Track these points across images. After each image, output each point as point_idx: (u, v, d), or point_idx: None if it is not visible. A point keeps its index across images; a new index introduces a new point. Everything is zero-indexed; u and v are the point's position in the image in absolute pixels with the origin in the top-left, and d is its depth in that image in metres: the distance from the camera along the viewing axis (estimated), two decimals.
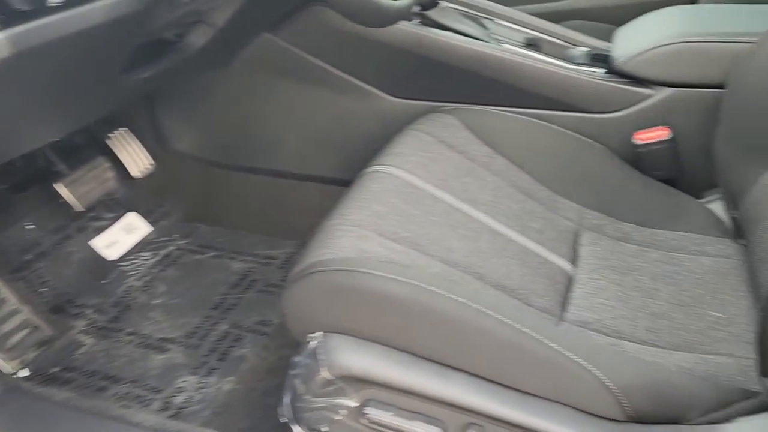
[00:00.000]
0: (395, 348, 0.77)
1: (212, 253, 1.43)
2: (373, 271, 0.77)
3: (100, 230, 1.41)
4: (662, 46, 1.10)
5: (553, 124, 1.19)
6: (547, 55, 1.29)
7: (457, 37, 1.21)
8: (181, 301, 1.29)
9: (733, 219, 1.05)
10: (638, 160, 1.15)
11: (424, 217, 0.93)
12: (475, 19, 1.37)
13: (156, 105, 1.46)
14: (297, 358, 0.83)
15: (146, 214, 1.50)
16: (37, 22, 0.69)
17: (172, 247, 1.45)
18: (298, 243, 1.46)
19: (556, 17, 1.95)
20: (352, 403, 0.79)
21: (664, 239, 1.05)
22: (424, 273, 0.82)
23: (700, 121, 1.10)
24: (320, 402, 0.80)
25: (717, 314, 0.89)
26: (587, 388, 0.70)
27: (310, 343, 0.80)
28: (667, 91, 1.12)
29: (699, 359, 0.81)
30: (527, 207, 1.05)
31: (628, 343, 0.84)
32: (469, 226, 0.95)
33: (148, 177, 1.50)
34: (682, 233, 1.06)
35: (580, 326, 0.86)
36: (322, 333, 0.80)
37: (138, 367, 1.13)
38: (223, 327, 1.22)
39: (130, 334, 1.21)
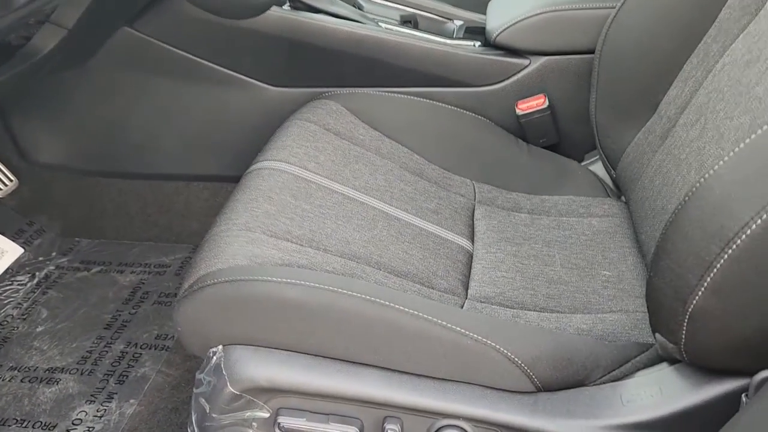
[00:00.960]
0: (301, 352, 0.75)
1: (97, 269, 1.33)
2: (266, 278, 0.73)
3: None
4: (532, 16, 1.12)
5: (435, 100, 1.19)
6: (424, 31, 1.28)
7: (332, 19, 1.17)
8: (67, 325, 1.19)
9: (613, 179, 1.10)
10: (521, 129, 1.17)
11: (317, 210, 0.90)
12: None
13: (9, 115, 1.33)
14: (199, 375, 0.79)
15: (16, 235, 1.38)
16: None
17: (51, 267, 1.34)
18: (192, 247, 1.39)
19: None
20: (264, 414, 0.76)
21: (553, 204, 1.08)
22: (322, 271, 0.79)
23: (576, 87, 1.14)
24: (230, 418, 0.76)
25: (608, 273, 0.93)
26: (496, 366, 0.71)
27: (214, 357, 0.76)
28: (542, 60, 1.15)
29: (596, 319, 0.84)
30: (420, 187, 1.05)
31: (530, 312, 0.86)
32: (364, 214, 0.93)
33: (12, 194, 1.38)
34: (569, 197, 1.09)
35: (483, 302, 0.87)
36: (221, 346, 0.76)
37: (25, 404, 1.04)
38: (118, 347, 1.14)
39: (12, 369, 1.11)
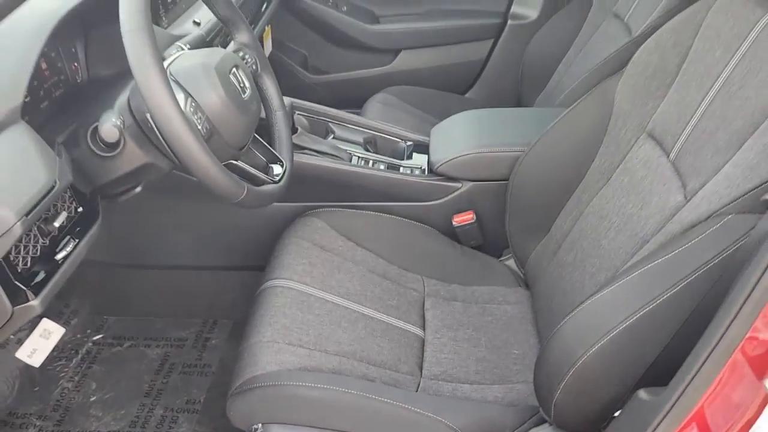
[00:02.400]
0: (316, 427, 1.13)
1: (128, 344, 1.68)
2: (293, 383, 1.12)
3: (20, 341, 1.61)
4: (464, 155, 1.53)
5: (393, 213, 1.58)
6: (382, 152, 1.68)
7: (315, 156, 1.55)
8: (114, 395, 1.54)
9: (523, 273, 1.52)
10: (456, 235, 1.58)
11: (317, 319, 1.29)
12: (324, 124, 1.72)
13: None
14: None
15: (56, 317, 1.70)
16: None
17: (89, 344, 1.68)
18: (202, 321, 1.75)
19: (380, 81, 2.36)
20: None
21: (480, 294, 1.49)
22: (327, 371, 1.18)
23: (495, 204, 1.55)
24: None
25: (516, 351, 1.35)
26: (442, 430, 1.11)
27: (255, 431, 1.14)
28: (471, 184, 1.56)
29: (507, 389, 1.26)
30: (384, 287, 1.44)
31: (464, 385, 1.27)
32: (348, 317, 1.32)
33: None
34: (491, 287, 1.51)
35: (433, 379, 1.27)
36: (261, 424, 1.14)
37: None
38: (158, 412, 1.50)
39: None
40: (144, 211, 1.63)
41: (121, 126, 1.00)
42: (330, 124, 1.73)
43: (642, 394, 0.86)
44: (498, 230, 1.57)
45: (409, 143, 1.73)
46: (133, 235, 1.68)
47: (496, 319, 1.43)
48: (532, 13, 2.35)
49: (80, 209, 1.00)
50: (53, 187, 0.88)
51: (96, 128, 1.05)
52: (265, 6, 2.11)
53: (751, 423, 0.79)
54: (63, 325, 1.71)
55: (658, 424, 0.80)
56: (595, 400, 0.98)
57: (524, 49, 2.22)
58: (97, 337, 1.70)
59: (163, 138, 0.98)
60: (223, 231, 1.65)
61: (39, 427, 1.46)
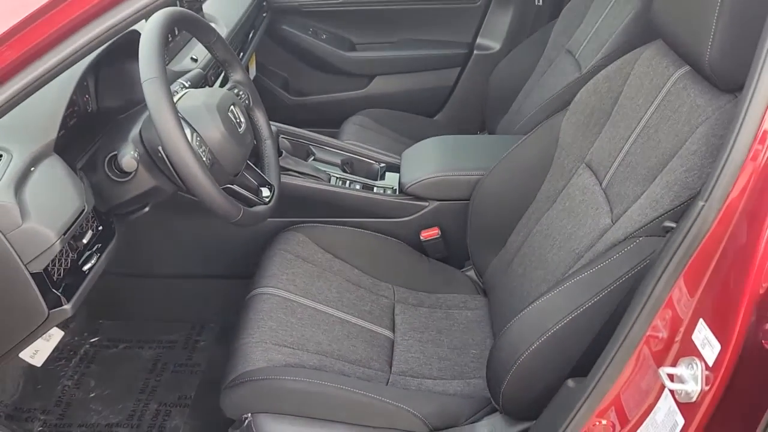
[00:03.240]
0: (300, 416, 1.31)
1: (123, 345, 1.83)
2: (279, 377, 1.29)
3: None
4: (431, 177, 1.72)
5: (366, 229, 1.77)
6: (358, 172, 1.87)
7: (299, 177, 1.73)
8: (112, 391, 1.69)
9: (482, 282, 1.72)
10: (423, 248, 1.78)
11: (299, 323, 1.46)
12: (305, 146, 1.90)
13: None
14: (235, 431, 1.34)
15: None
16: None
17: (86, 346, 1.83)
18: (191, 325, 1.91)
19: (356, 103, 2.56)
20: None
21: (444, 300, 1.69)
22: (308, 367, 1.36)
23: (459, 222, 1.74)
24: None
25: (474, 351, 1.54)
26: (408, 420, 1.30)
27: (246, 421, 1.31)
28: (437, 203, 1.75)
29: (465, 383, 1.45)
30: (359, 294, 1.63)
31: (428, 380, 1.45)
32: (327, 321, 1.50)
33: None
34: (453, 294, 1.70)
35: (401, 375, 1.46)
36: (251, 414, 1.32)
37: None
38: (153, 406, 1.66)
39: (80, 426, 1.60)
40: (140, 226, 1.79)
41: (138, 158, 1.17)
42: (311, 146, 1.91)
43: (569, 382, 1.06)
44: (460, 244, 1.76)
45: (382, 165, 1.92)
46: (128, 247, 1.83)
47: (457, 322, 1.62)
48: (496, 45, 2.57)
49: (100, 227, 1.17)
50: (83, 210, 1.04)
51: (113, 157, 1.22)
52: (251, 34, 2.29)
53: (652, 406, 1.00)
54: (62, 328, 1.87)
55: (581, 407, 1.00)
56: (535, 389, 1.18)
57: (488, 77, 2.44)
58: (94, 339, 1.85)
59: (174, 167, 1.15)
60: (213, 243, 1.82)
61: (43, 420, 1.61)
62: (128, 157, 1.16)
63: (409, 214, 1.77)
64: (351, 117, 2.43)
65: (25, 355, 1.75)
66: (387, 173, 1.90)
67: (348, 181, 1.81)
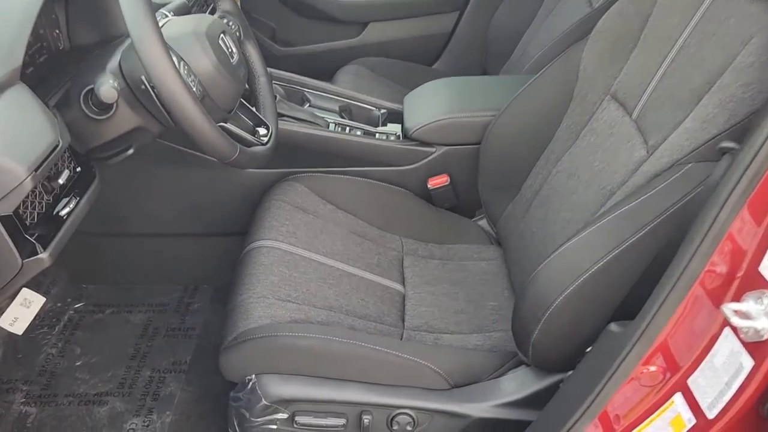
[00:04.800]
0: (308, 375, 1.19)
1: (110, 311, 1.71)
2: (285, 333, 1.17)
3: (1, 310, 1.62)
4: (438, 120, 1.60)
5: (370, 178, 1.64)
6: (357, 120, 1.74)
7: (295, 123, 1.60)
8: (100, 359, 1.57)
9: (495, 232, 1.61)
10: (431, 197, 1.66)
11: (303, 277, 1.34)
12: (300, 93, 1.76)
13: None
14: (237, 394, 1.22)
15: (35, 286, 1.71)
16: None
17: (70, 312, 1.70)
18: (183, 287, 1.78)
19: (348, 53, 2.41)
20: (284, 416, 1.20)
21: (456, 252, 1.57)
22: (316, 323, 1.24)
23: (468, 167, 1.62)
24: (262, 420, 1.20)
25: (493, 303, 1.44)
26: (427, 376, 1.19)
27: (249, 383, 1.20)
28: (444, 149, 1.63)
29: (485, 337, 1.35)
30: (365, 247, 1.51)
31: (445, 335, 1.35)
32: (333, 275, 1.38)
33: None
34: (465, 245, 1.59)
35: (415, 330, 1.35)
36: (254, 375, 1.20)
37: (88, 422, 1.42)
38: (146, 373, 1.54)
39: (67, 396, 1.48)
40: (122, 178, 1.65)
41: (118, 89, 1.03)
42: (305, 92, 1.77)
43: (613, 327, 0.95)
44: (471, 192, 1.64)
45: (383, 111, 1.78)
46: (110, 203, 1.68)
47: (471, 274, 1.51)
48: None
49: (78, 169, 1.03)
50: (57, 145, 0.91)
51: (89, 91, 1.07)
52: None
53: (708, 349, 0.89)
54: (43, 294, 1.73)
55: (627, 353, 0.89)
56: (569, 338, 1.07)
57: (489, 20, 2.29)
58: (78, 305, 1.72)
59: (160, 98, 1.02)
60: (204, 198, 1.68)
61: (26, 391, 1.49)
62: (107, 86, 1.02)
63: (415, 160, 1.64)
64: (344, 67, 2.29)
65: (4, 322, 1.61)
66: (389, 123, 1.76)
67: (348, 128, 1.67)
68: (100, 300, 1.73)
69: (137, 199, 1.69)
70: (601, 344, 0.97)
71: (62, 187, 0.98)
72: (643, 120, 1.18)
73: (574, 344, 1.08)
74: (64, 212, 0.98)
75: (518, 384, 1.19)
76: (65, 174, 0.97)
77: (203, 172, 1.63)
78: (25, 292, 1.70)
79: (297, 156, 1.62)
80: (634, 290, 1.00)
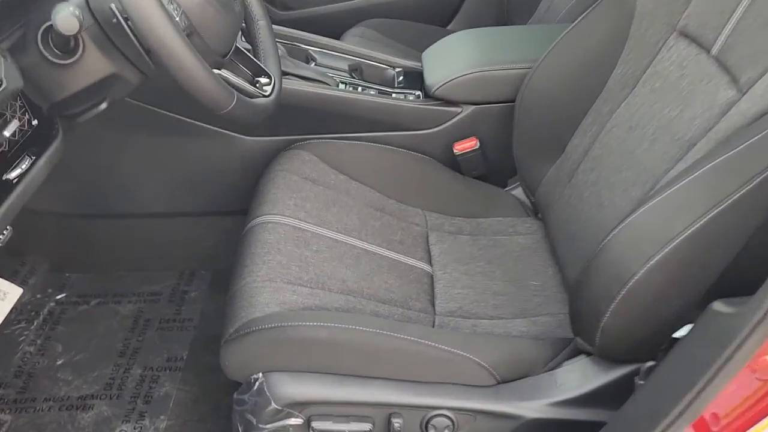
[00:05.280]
0: (324, 373, 0.99)
1: (95, 301, 1.51)
2: (297, 323, 0.97)
3: None
4: (464, 75, 1.38)
5: (387, 144, 1.43)
6: (369, 80, 1.52)
7: (299, 82, 1.39)
8: (84, 356, 1.37)
9: (532, 202, 1.40)
10: (457, 164, 1.45)
11: (316, 256, 1.14)
12: (304, 51, 1.55)
13: None
14: (242, 396, 1.02)
15: (12, 276, 1.51)
16: None
17: (51, 304, 1.50)
18: (177, 274, 1.58)
19: (353, 16, 2.19)
20: (299, 421, 1.00)
21: (488, 226, 1.37)
22: (333, 310, 1.04)
23: (499, 129, 1.42)
24: (272, 427, 1.00)
25: (535, 283, 1.23)
26: (469, 370, 0.99)
27: (256, 383, 1.00)
28: (472, 108, 1.42)
29: (531, 322, 1.14)
30: (385, 222, 1.30)
31: (483, 320, 1.15)
32: (350, 253, 1.18)
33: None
34: (498, 218, 1.38)
35: (449, 316, 1.14)
36: (261, 374, 1.00)
37: (70, 429, 1.23)
38: (136, 371, 1.34)
39: (47, 400, 1.28)
40: (106, 151, 1.45)
41: (81, 18, 0.82)
42: (310, 50, 1.56)
43: (718, 306, 0.75)
44: (502, 157, 1.44)
45: (398, 69, 1.57)
46: (93, 180, 1.49)
47: (508, 251, 1.31)
48: None
49: (35, 122, 0.83)
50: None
51: (48, 29, 0.86)
52: None
53: None
54: (20, 284, 1.53)
55: (746, 338, 0.69)
56: (650, 320, 0.87)
57: None
58: (60, 296, 1.52)
59: (136, 31, 0.81)
60: (198, 171, 1.48)
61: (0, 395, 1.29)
62: (65, 13, 0.80)
63: (438, 123, 1.43)
64: (350, 29, 2.07)
65: None
66: (406, 89, 1.54)
67: (360, 87, 1.46)
68: (85, 290, 1.53)
69: (123, 175, 1.48)
70: (703, 327, 0.76)
71: (11, 142, 0.77)
72: (728, 54, 0.97)
73: (654, 328, 0.88)
74: (13, 175, 0.78)
75: (579, 377, 0.99)
76: (13, 125, 0.77)
77: (197, 141, 1.43)
78: (0, 283, 1.50)
79: (303, 120, 1.41)
80: (739, 259, 0.79)
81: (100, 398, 1.28)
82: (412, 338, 0.99)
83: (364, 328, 0.98)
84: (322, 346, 0.98)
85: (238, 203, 1.43)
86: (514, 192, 1.47)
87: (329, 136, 1.42)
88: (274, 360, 0.99)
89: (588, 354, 1.01)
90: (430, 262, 1.25)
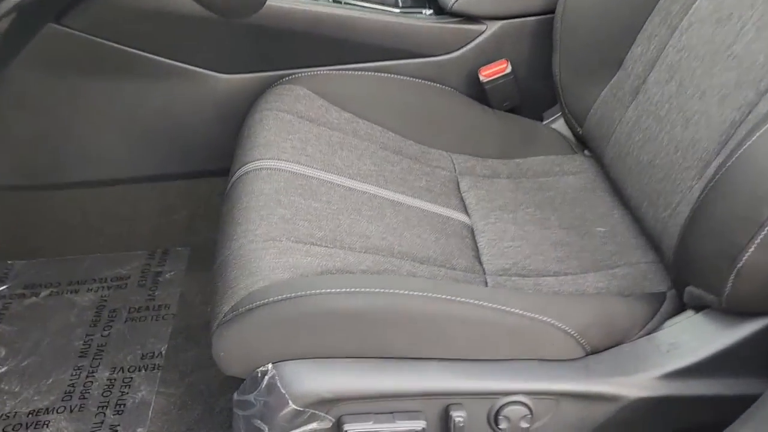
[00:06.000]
0: (357, 357, 0.74)
1: (46, 292, 1.22)
2: (317, 291, 0.71)
3: None
4: None
5: (397, 74, 1.17)
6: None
7: None
8: (35, 360, 1.09)
9: (578, 135, 1.15)
10: (484, 95, 1.19)
11: (328, 207, 0.87)
12: None
13: None
14: (245, 397, 0.76)
15: None
16: None
17: None
18: (147, 253, 1.30)
19: None
20: (326, 425, 0.74)
21: (529, 167, 1.12)
22: (358, 273, 0.78)
23: (533, 49, 1.17)
24: None
25: (601, 229, 0.99)
26: (550, 339, 0.74)
27: (264, 378, 0.73)
28: (500, 24, 1.16)
29: (607, 275, 0.90)
30: (405, 166, 1.04)
31: (547, 278, 0.90)
32: (369, 204, 0.92)
33: None
34: (540, 157, 1.13)
35: (502, 275, 0.89)
36: (271, 365, 0.74)
37: None
38: (103, 374, 1.06)
39: None
40: (47, 104, 1.16)
41: None
42: None
43: None
44: (537, 84, 1.19)
45: None
46: (34, 142, 1.19)
47: (559, 193, 1.06)
48: None
49: None
50: None
51: None
52: None
53: None
54: None
55: None
56: None
57: None
58: (1, 288, 1.22)
59: None
60: (165, 123, 1.19)
61: None
62: None
63: (458, 44, 1.17)
64: None
65: None
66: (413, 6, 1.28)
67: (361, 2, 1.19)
68: (32, 279, 1.24)
69: (72, 133, 1.19)
70: None
71: None
72: None
73: None
74: None
75: (695, 339, 0.75)
76: None
77: (162, 83, 1.14)
78: None
79: (293, 48, 1.14)
80: None
81: (57, 412, 1.00)
82: (476, 302, 0.73)
83: (411, 292, 0.72)
84: (354, 321, 0.71)
85: (216, 161, 1.16)
86: (553, 125, 1.22)
87: (326, 67, 1.15)
88: (288, 344, 0.72)
89: (698, 309, 0.77)
90: (466, 212, 0.99)
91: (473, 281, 0.86)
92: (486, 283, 0.87)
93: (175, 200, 1.28)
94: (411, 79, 1.17)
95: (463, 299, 0.72)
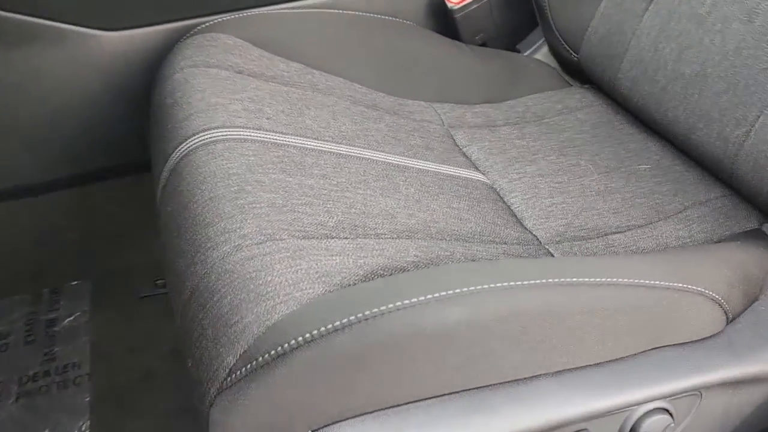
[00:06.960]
0: (438, 396, 0.48)
1: None
2: (399, 303, 0.44)
3: None
4: None
5: (342, 9, 0.91)
6: None
7: None
8: None
9: (575, 63, 0.95)
10: (453, 27, 0.96)
11: (326, 183, 0.60)
12: None
13: None
14: None
15: None
16: None
17: None
18: (31, 297, 0.94)
19: None
20: None
21: (525, 109, 0.91)
22: (411, 268, 0.52)
23: None
24: None
25: (645, 166, 0.80)
26: (692, 313, 0.53)
27: None
28: None
29: (682, 220, 0.71)
30: (390, 123, 0.79)
31: (615, 235, 0.69)
32: (374, 173, 0.66)
33: None
34: (534, 96, 0.93)
35: (561, 241, 0.67)
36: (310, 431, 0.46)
37: None
38: None
39: None
40: None
41: None
42: None
43: None
44: (512, 10, 0.98)
45: None
46: None
47: (575, 133, 0.86)
48: None
49: None
50: None
51: None
52: None
53: None
54: None
55: None
56: None
57: None
58: None
59: None
60: (36, 111, 0.84)
61: None
62: None
63: None
64: None
65: None
66: None
67: None
68: None
69: None
70: None
71: None
72: None
73: None
74: None
75: None
76: None
77: (21, 52, 0.79)
78: None
79: None
80: None
81: None
82: (608, 280, 0.50)
83: (526, 281, 0.47)
84: (454, 341, 0.45)
85: (113, 156, 0.85)
86: (536, 56, 1.01)
87: (253, 10, 0.86)
88: (345, 397, 0.45)
89: None
90: (478, 170, 0.76)
91: (537, 254, 0.64)
92: (550, 254, 0.65)
93: (59, 219, 0.92)
94: (362, 13, 0.90)
95: (590, 279, 0.49)
